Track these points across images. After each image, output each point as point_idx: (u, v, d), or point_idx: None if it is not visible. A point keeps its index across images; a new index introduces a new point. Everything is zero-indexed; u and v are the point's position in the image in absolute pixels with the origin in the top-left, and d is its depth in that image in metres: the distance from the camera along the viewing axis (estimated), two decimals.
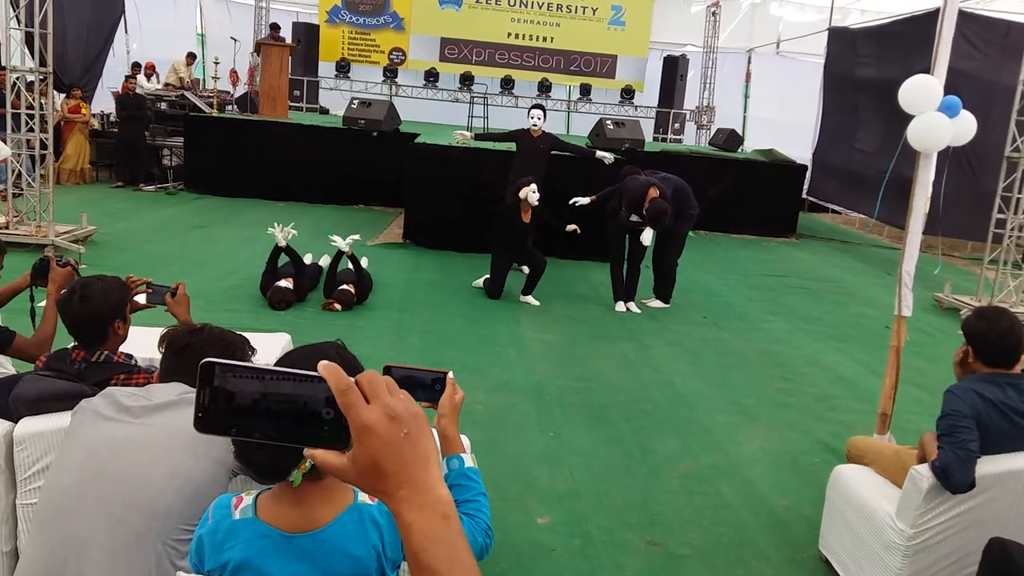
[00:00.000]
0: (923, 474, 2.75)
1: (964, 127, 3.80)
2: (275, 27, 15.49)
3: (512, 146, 8.43)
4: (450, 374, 1.84)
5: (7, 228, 7.64)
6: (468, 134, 8.82)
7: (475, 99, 14.89)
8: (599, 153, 8.87)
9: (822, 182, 13.91)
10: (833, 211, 15.03)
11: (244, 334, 2.33)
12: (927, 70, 3.86)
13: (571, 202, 7.53)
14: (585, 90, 17.02)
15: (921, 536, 2.80)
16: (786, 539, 3.56)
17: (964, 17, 9.20)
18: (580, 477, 3.99)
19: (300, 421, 0.76)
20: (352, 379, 0.75)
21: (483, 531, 1.76)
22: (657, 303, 7.56)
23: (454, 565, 0.74)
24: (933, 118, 3.75)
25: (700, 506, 3.79)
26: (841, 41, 13.58)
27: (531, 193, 7.11)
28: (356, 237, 6.91)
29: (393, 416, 0.74)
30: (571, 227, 7.32)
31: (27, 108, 7.87)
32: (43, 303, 3.11)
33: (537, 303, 7.36)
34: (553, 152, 8.36)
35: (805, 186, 13.52)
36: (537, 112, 8.25)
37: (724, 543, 3.48)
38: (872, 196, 11.77)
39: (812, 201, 14.52)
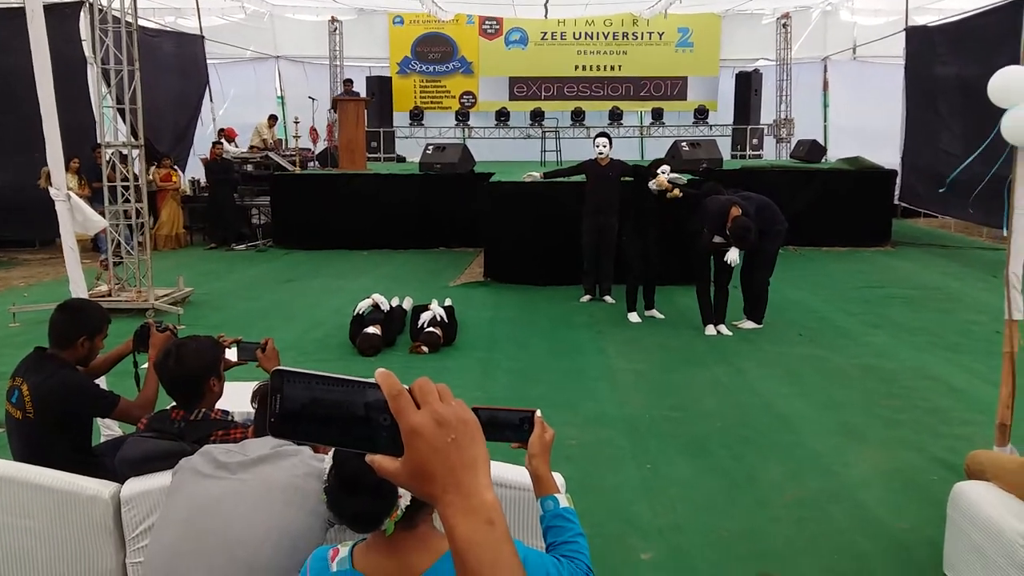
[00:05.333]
0: None
1: None
2: (348, 82, 16.01)
3: (583, 177, 8.41)
4: (538, 412, 1.79)
5: (110, 296, 8.02)
6: (537, 175, 8.86)
7: (547, 134, 14.99)
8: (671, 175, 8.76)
9: (913, 187, 13.38)
10: (927, 215, 14.41)
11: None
12: (1011, 63, 3.67)
13: (650, 184, 7.41)
14: (657, 114, 16.95)
15: None
16: (907, 564, 3.35)
17: None
18: (682, 510, 3.86)
19: (360, 426, 0.78)
20: (406, 386, 0.77)
21: (584, 573, 1.71)
22: (749, 324, 7.34)
23: (497, 569, 0.75)
24: None
25: (812, 534, 3.61)
26: (920, 40, 13.13)
27: (660, 174, 7.38)
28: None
29: (441, 421, 0.75)
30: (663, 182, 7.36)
31: (122, 180, 8.30)
32: (145, 367, 3.22)
33: (663, 316, 7.70)
34: (624, 178, 8.29)
35: (896, 192, 13.00)
36: (602, 140, 8.21)
37: (841, 572, 3.29)
38: (963, 198, 11.31)
39: (905, 207, 13.94)
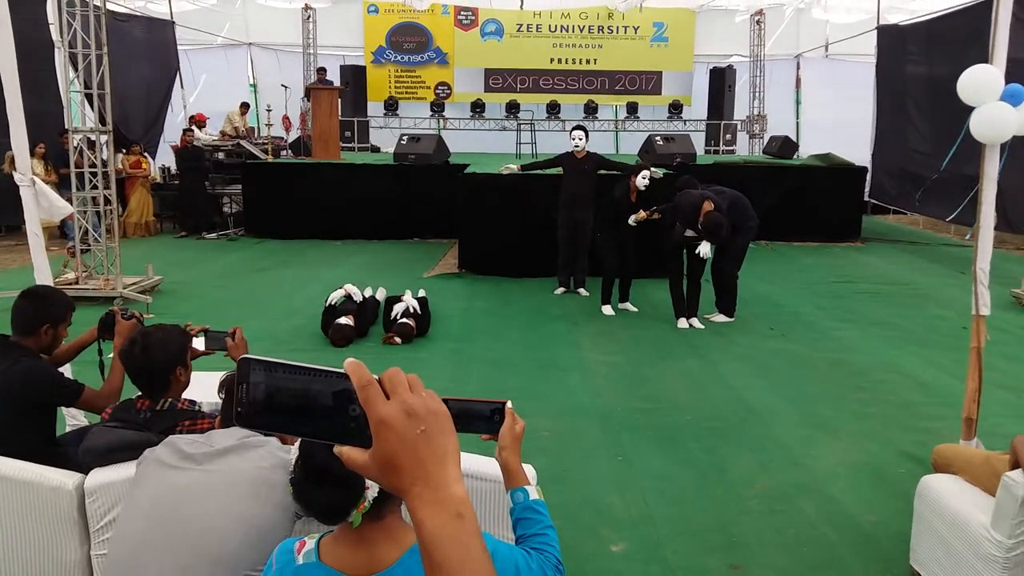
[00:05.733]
0: (1018, 481, 2.59)
1: None
2: (322, 71, 15.85)
3: (560, 170, 8.40)
4: (508, 404, 1.78)
5: (77, 283, 7.88)
6: (514, 167, 8.83)
7: (522, 126, 14.95)
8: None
9: (882, 184, 13.54)
10: (896, 212, 14.59)
11: None
12: (977, 63, 3.71)
13: (630, 221, 7.42)
14: (632, 108, 16.96)
15: (1021, 547, 2.62)
16: (875, 556, 3.38)
17: (1019, 3, 8.88)
18: (653, 501, 3.87)
19: (329, 417, 0.76)
20: (375, 376, 0.75)
21: (553, 566, 1.69)
22: (721, 317, 7.39)
23: (465, 564, 0.73)
24: (996, 108, 3.60)
25: (781, 526, 3.64)
26: (891, 39, 13.27)
27: (640, 179, 7.30)
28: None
29: (411, 412, 0.74)
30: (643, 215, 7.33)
31: (90, 166, 8.14)
32: (111, 355, 3.16)
33: (636, 309, 7.71)
34: (600, 172, 8.29)
35: (866, 188, 13.15)
36: (578, 133, 8.20)
37: (810, 563, 3.32)
38: (929, 196, 11.50)
39: (875, 203, 14.10)
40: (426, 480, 0.74)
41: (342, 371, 0.75)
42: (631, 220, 7.38)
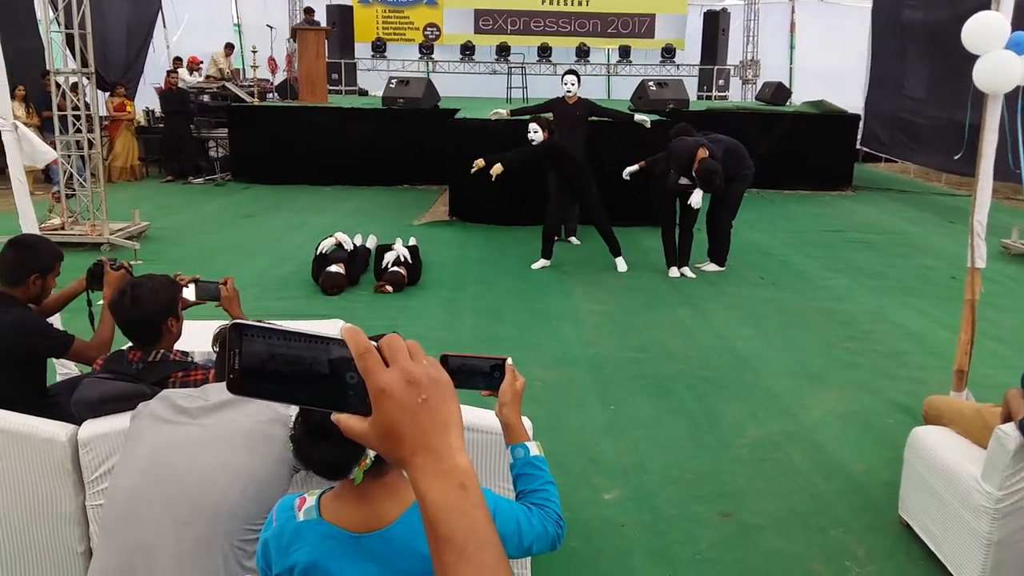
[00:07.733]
0: (1009, 434, 2.61)
1: None
2: (309, 11, 15.47)
3: (550, 115, 8.28)
4: (509, 360, 1.77)
5: (63, 229, 7.78)
6: (503, 112, 8.69)
7: (513, 69, 14.71)
8: (638, 117, 8.69)
9: (875, 131, 13.45)
10: (887, 160, 14.53)
11: (296, 322, 2.29)
12: (976, 9, 3.64)
13: (624, 174, 7.36)
14: (624, 52, 16.71)
15: (1010, 499, 2.66)
16: (864, 505, 3.43)
17: None
18: (645, 450, 3.90)
19: (325, 385, 0.74)
20: (373, 342, 0.73)
21: (554, 521, 1.70)
22: (712, 266, 7.38)
23: (471, 537, 0.71)
24: (1001, 56, 3.54)
25: (771, 474, 3.68)
26: None
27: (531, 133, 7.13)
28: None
29: (411, 380, 0.72)
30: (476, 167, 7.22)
31: (73, 109, 7.96)
32: (101, 303, 3.12)
33: (625, 267, 7.33)
34: (591, 118, 8.18)
35: (859, 136, 13.06)
36: (571, 78, 8.06)
37: (800, 511, 3.37)
38: (923, 144, 11.43)
39: (867, 151, 14.03)
40: (428, 450, 0.72)
41: (338, 338, 0.73)
42: (624, 173, 7.33)
